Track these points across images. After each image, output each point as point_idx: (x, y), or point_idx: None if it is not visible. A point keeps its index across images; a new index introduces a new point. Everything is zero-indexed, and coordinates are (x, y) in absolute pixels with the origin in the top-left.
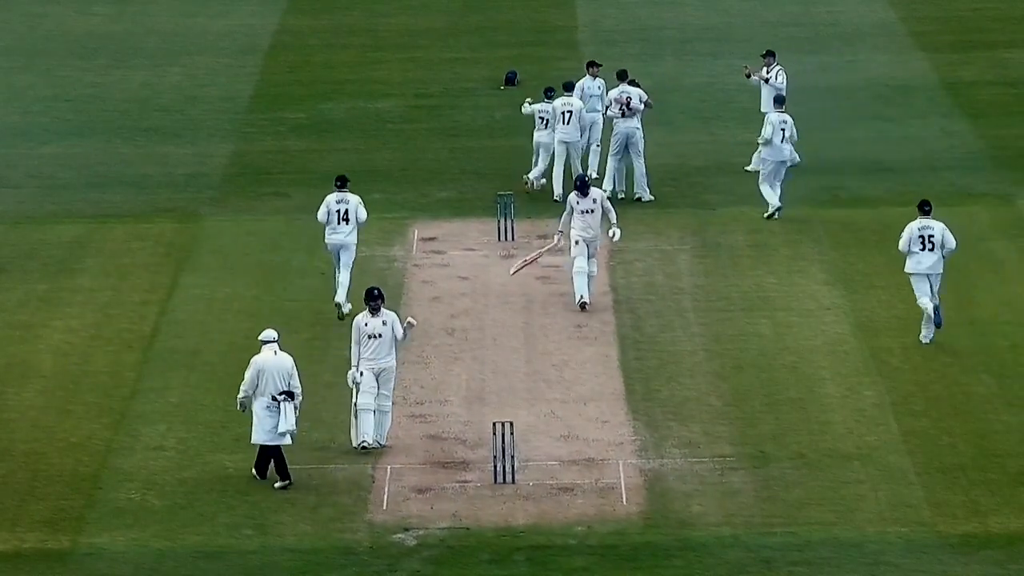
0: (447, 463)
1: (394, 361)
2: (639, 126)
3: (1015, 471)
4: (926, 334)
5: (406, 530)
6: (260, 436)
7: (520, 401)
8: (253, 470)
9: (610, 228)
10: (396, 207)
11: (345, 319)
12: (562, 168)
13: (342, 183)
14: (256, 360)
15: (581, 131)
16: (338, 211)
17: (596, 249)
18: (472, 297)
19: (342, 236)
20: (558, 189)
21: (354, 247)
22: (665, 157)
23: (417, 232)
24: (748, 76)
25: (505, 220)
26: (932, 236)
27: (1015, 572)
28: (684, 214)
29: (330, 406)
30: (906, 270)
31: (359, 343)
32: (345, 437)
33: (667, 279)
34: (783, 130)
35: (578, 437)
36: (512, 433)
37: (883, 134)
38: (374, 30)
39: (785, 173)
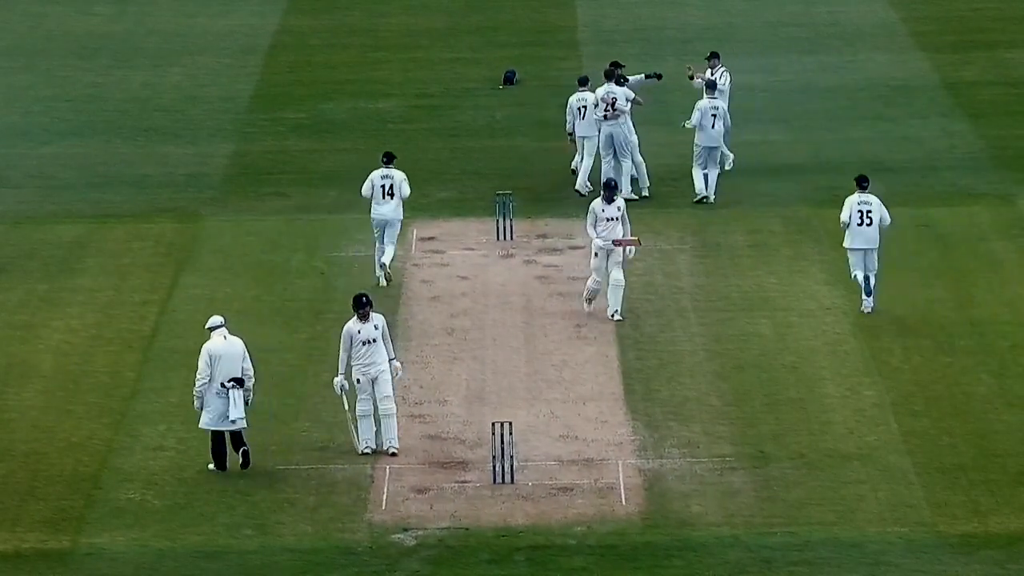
0: (446, 463)
1: (387, 364)
2: (626, 126)
3: (1015, 471)
4: (866, 304)
5: (405, 530)
6: (209, 421)
7: (519, 401)
8: (210, 465)
9: (625, 236)
10: None
11: (380, 289)
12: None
13: (388, 159)
14: (207, 347)
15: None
16: (383, 186)
17: (620, 258)
18: (472, 297)
19: (386, 211)
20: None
21: (398, 222)
22: (665, 157)
23: (416, 232)
24: (691, 78)
25: (504, 220)
26: (870, 211)
27: (1015, 572)
28: (684, 214)
29: (330, 406)
30: (844, 244)
31: (349, 350)
32: (345, 437)
33: (667, 279)
34: (713, 116)
35: (578, 437)
36: (511, 433)
37: (883, 134)
38: (374, 30)
39: (721, 163)
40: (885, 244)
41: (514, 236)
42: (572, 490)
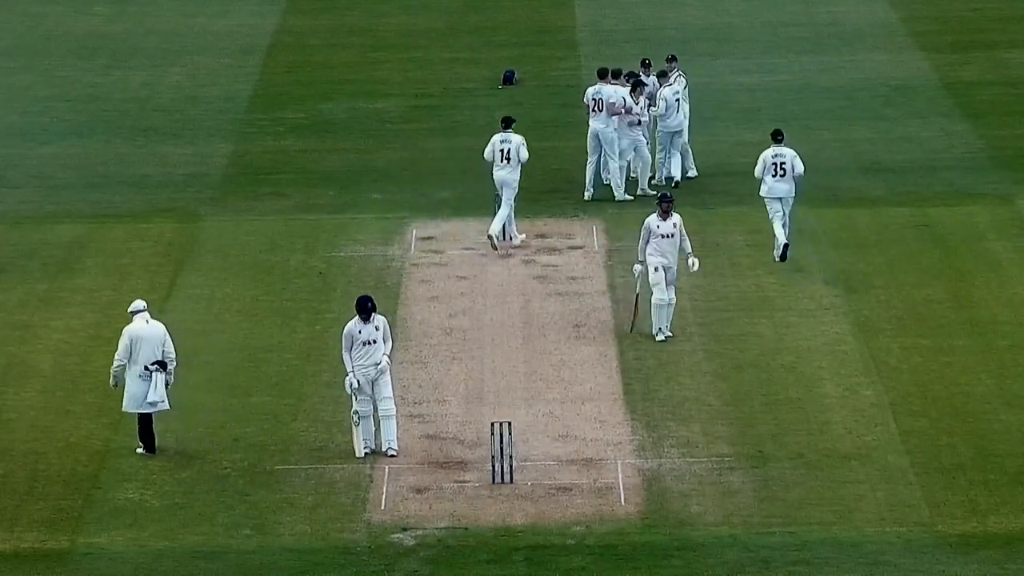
0: (445, 463)
1: (386, 366)
2: (611, 125)
3: (1014, 471)
4: (779, 241)
5: (404, 530)
6: (130, 405)
7: (518, 401)
8: (139, 448)
9: (688, 257)
10: (395, 207)
11: (497, 250)
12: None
13: (507, 124)
14: (128, 330)
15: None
16: (501, 150)
17: (675, 276)
18: (471, 297)
19: (503, 173)
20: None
21: (515, 183)
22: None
23: (415, 231)
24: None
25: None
26: (784, 163)
27: (1014, 572)
28: (683, 214)
29: (329, 406)
30: (760, 194)
31: (351, 350)
32: (344, 437)
33: None
34: (677, 100)
35: (576, 437)
36: (510, 433)
37: (882, 134)
38: (374, 30)
39: (682, 147)
40: (884, 244)
41: (513, 236)
42: (571, 490)
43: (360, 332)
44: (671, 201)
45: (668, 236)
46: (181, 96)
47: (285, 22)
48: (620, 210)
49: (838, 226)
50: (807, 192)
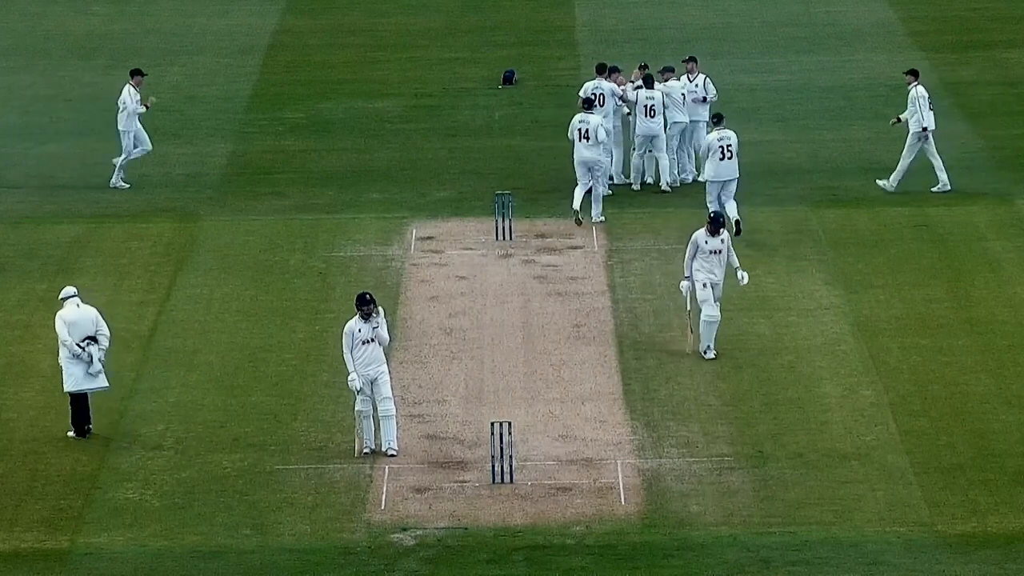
0: (445, 463)
1: (385, 366)
2: (612, 120)
3: (1013, 471)
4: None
5: (404, 530)
6: (72, 384)
7: (518, 401)
8: (70, 432)
9: (736, 271)
10: (395, 207)
11: (582, 226)
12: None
13: (588, 105)
14: (61, 315)
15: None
16: (579, 130)
17: (721, 293)
18: (470, 296)
19: (585, 151)
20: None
21: (597, 163)
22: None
23: (415, 231)
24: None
25: (503, 219)
26: (730, 145)
27: (1013, 572)
28: (683, 214)
29: (329, 406)
30: (706, 176)
31: (352, 349)
32: (344, 437)
33: (665, 278)
34: (647, 105)
35: (576, 437)
36: (510, 433)
37: (882, 134)
38: (373, 30)
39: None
40: (884, 244)
41: (513, 236)
42: (571, 490)
43: (359, 331)
44: (721, 222)
45: (716, 252)
46: (180, 96)
47: (284, 22)
48: (620, 210)
49: (838, 226)
50: (806, 192)
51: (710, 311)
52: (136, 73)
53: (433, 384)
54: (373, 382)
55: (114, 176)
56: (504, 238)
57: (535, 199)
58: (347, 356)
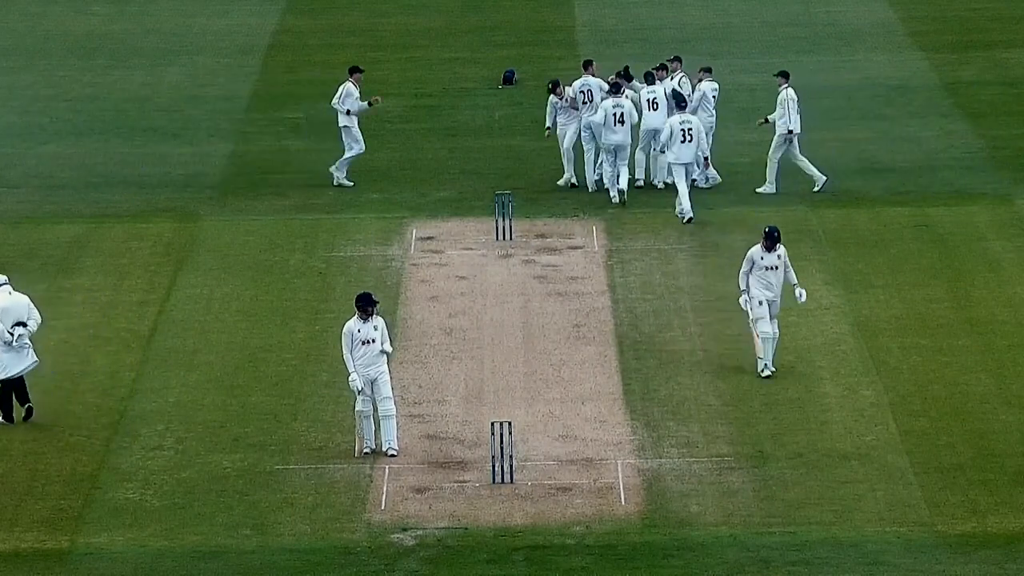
0: (445, 463)
1: (385, 366)
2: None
3: (1013, 471)
4: (686, 211)
5: (404, 530)
6: (7, 370)
7: (518, 401)
8: None
9: (795, 288)
10: (395, 207)
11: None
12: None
13: (616, 89)
14: None
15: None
16: (614, 114)
17: (778, 310)
18: (470, 296)
19: (619, 136)
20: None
21: (627, 147)
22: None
23: (415, 231)
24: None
25: (503, 219)
26: (691, 129)
27: (1013, 572)
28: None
29: (329, 406)
30: (669, 160)
31: (352, 349)
32: (344, 437)
33: (665, 278)
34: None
35: (576, 437)
36: (510, 433)
37: (881, 134)
38: (373, 30)
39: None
40: (884, 244)
41: (513, 236)
42: (571, 490)
43: (359, 331)
44: (777, 237)
45: (773, 268)
46: (180, 96)
47: (285, 22)
48: (620, 210)
49: (838, 226)
50: (806, 192)
51: (766, 328)
52: (355, 70)
53: (433, 384)
54: (373, 382)
55: (337, 173)
56: (504, 238)
57: (535, 199)
58: (347, 357)
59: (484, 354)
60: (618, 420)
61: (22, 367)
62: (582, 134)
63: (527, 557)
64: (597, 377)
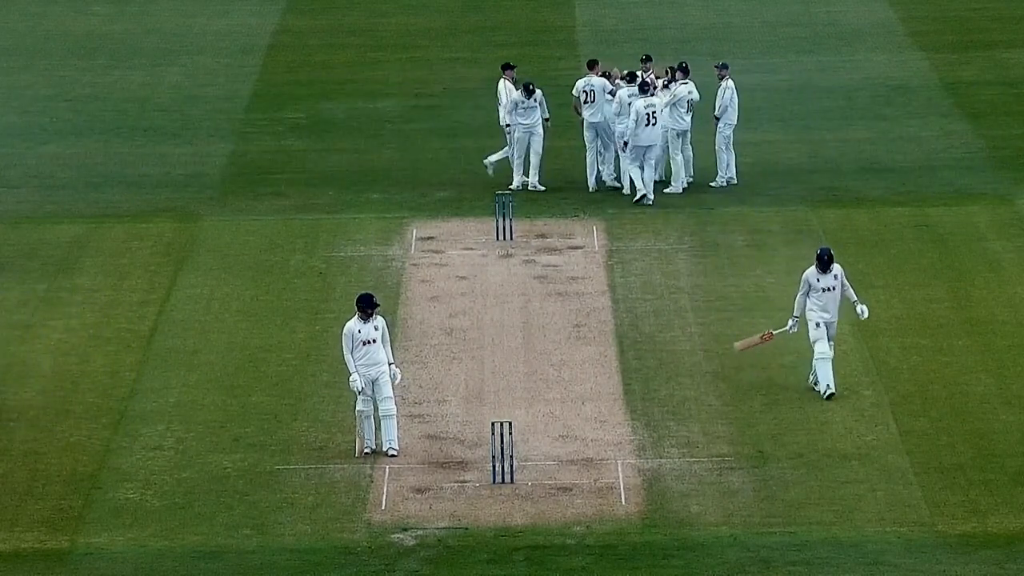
0: (445, 463)
1: (386, 366)
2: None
3: (1014, 471)
4: (649, 196)
5: (404, 530)
6: None
7: (518, 401)
8: None
9: (856, 305)
10: (395, 207)
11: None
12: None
13: (644, 88)
14: None
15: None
16: (648, 114)
17: (835, 331)
18: (470, 297)
19: (652, 134)
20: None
21: (659, 146)
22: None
23: (415, 231)
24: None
25: (503, 219)
26: (654, 112)
27: (1014, 572)
28: (683, 214)
29: (329, 406)
30: (634, 144)
31: (352, 350)
32: (344, 437)
33: (665, 279)
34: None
35: (577, 437)
36: (511, 433)
37: (882, 134)
38: (373, 30)
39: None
40: (884, 244)
41: (513, 236)
42: (571, 490)
43: (359, 331)
44: (831, 259)
45: (830, 289)
46: (180, 96)
47: (285, 22)
48: (620, 210)
49: (838, 226)
50: (806, 192)
51: (822, 348)
52: (507, 67)
53: (433, 384)
54: (374, 382)
55: (491, 163)
56: (504, 238)
57: (535, 199)
58: (348, 357)
59: (484, 354)
60: (618, 420)
61: None
62: (585, 134)
63: (527, 557)
64: (597, 377)
